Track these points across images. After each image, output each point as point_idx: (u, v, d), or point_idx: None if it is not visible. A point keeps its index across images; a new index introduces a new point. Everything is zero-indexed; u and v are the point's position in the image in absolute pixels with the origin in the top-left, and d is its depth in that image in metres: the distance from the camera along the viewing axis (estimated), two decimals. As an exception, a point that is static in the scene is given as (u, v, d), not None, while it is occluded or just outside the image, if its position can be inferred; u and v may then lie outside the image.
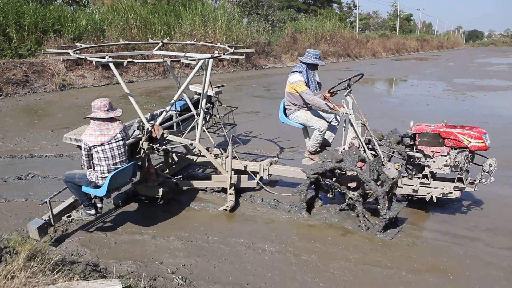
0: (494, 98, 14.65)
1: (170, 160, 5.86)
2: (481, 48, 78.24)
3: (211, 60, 5.20)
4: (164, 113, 5.23)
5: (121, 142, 4.22)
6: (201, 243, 4.21)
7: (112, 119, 4.17)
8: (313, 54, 5.22)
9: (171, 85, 15.49)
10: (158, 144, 4.96)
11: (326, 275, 3.71)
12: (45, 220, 4.17)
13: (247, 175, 5.49)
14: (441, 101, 13.73)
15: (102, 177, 4.16)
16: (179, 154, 5.89)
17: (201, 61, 5.12)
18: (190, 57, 5.26)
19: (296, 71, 5.24)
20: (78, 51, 5.27)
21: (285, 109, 5.47)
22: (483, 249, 4.17)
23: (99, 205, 4.46)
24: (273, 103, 12.55)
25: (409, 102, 13.47)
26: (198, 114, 5.67)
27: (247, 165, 5.57)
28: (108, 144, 4.09)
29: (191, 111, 5.89)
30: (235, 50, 5.64)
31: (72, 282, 3.03)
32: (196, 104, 5.96)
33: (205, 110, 6.05)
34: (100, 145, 4.04)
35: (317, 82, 5.44)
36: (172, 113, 5.95)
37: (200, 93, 6.27)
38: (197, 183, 5.44)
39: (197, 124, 5.43)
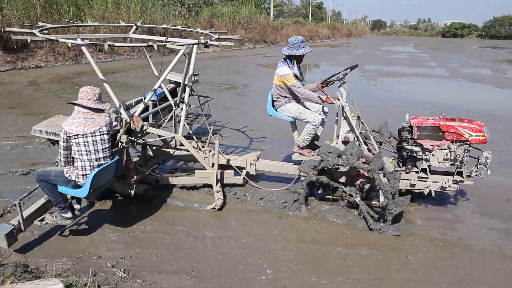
0: (400, 83, 15.85)
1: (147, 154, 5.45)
2: (385, 37, 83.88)
3: (195, 46, 4.83)
4: (142, 103, 4.73)
5: (105, 136, 3.81)
6: (139, 234, 4.11)
7: (99, 110, 3.76)
8: (292, 43, 4.92)
9: (84, 70, 14.64)
10: (136, 137, 4.59)
11: (268, 256, 3.83)
12: (14, 225, 3.64)
13: (233, 171, 5.23)
14: (355, 86, 14.56)
15: (83, 175, 3.70)
16: (154, 148, 5.45)
17: (184, 47, 4.63)
18: (175, 42, 4.72)
19: (284, 63, 4.99)
20: (45, 31, 4.64)
21: (273, 101, 5.22)
22: (408, 222, 4.57)
23: (76, 206, 4.05)
24: (197, 89, 12.44)
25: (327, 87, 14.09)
26: (176, 104, 5.39)
27: (229, 159, 5.24)
28: (92, 136, 3.66)
29: (167, 100, 5.46)
30: (220, 37, 5.28)
31: (5, 286, 2.82)
32: (172, 93, 5.60)
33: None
34: (83, 135, 3.61)
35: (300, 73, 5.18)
36: (148, 103, 5.34)
37: (176, 82, 5.95)
38: (179, 180, 5.12)
39: (174, 116, 5.23)
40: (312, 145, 5.19)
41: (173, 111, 5.37)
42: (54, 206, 3.95)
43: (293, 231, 4.33)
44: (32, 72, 13.89)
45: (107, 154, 3.86)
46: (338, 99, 4.67)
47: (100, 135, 3.73)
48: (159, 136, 5.02)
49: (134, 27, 5.84)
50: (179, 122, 5.39)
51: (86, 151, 3.66)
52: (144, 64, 17.20)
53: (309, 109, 5.13)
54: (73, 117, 3.64)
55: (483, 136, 4.40)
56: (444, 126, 4.47)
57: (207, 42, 4.73)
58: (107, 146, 3.84)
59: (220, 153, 5.11)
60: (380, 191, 4.42)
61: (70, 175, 3.68)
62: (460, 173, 4.59)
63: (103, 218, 4.40)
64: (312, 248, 4.03)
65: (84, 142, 3.63)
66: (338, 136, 4.88)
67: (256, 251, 3.91)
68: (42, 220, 3.87)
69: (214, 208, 4.64)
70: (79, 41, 4.03)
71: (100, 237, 4.03)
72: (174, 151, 5.35)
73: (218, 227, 4.32)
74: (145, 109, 5.06)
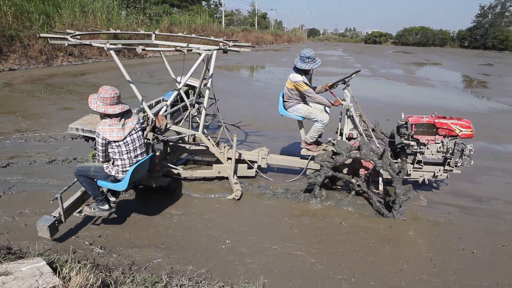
0: (330, 80, 16.24)
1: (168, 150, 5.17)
2: (319, 42, 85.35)
3: (215, 52, 4.56)
4: (164, 103, 4.50)
5: (140, 133, 3.56)
6: (113, 214, 3.98)
7: (129, 111, 3.49)
8: (301, 57, 4.65)
9: (55, 72, 13.81)
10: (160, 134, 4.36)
11: (227, 229, 3.86)
12: (55, 217, 3.41)
13: (246, 164, 5.02)
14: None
15: (123, 171, 3.49)
16: (172, 144, 5.09)
17: (204, 53, 4.44)
18: (194, 47, 4.43)
19: (297, 71, 4.71)
20: (78, 37, 4.37)
21: (284, 102, 5.00)
22: (343, 196, 4.75)
23: (112, 199, 3.78)
24: (159, 88, 12.12)
25: (271, 85, 14.20)
26: (192, 105, 5.23)
27: (241, 154, 5.01)
28: (129, 136, 3.42)
29: (180, 102, 5.21)
30: (235, 44, 5.02)
31: (-10, 266, 2.65)
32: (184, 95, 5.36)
33: (199, 102, 5.53)
34: (123, 139, 3.37)
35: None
36: (163, 104, 5.01)
37: (188, 84, 5.64)
38: (198, 173, 4.86)
39: (189, 115, 5.02)
40: (316, 141, 5.06)
41: (188, 111, 5.15)
42: (91, 198, 3.73)
43: (248, 206, 4.37)
44: (6, 75, 12.91)
45: (144, 150, 3.64)
46: (344, 100, 4.63)
47: (136, 132, 3.49)
48: (179, 133, 4.81)
49: (153, 35, 5.64)
50: (192, 121, 5.28)
51: (126, 151, 3.43)
52: (111, 66, 16.50)
53: (319, 110, 4.97)
54: (110, 124, 3.32)
55: (471, 131, 4.42)
56: (439, 123, 4.45)
57: (226, 47, 4.55)
58: (142, 141, 3.62)
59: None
60: (380, 180, 4.67)
61: (110, 171, 3.45)
62: (449, 164, 4.60)
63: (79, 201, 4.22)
64: (264, 220, 4.10)
65: (124, 143, 3.39)
66: (341, 133, 4.83)
67: (216, 225, 3.92)
68: (81, 212, 3.65)
69: (234, 198, 4.46)
70: (111, 45, 3.90)
71: (77, 219, 3.85)
72: (190, 147, 5.11)
73: (183, 205, 4.28)
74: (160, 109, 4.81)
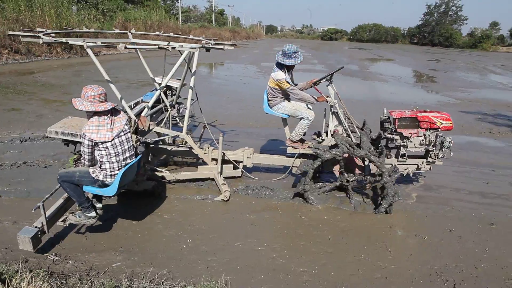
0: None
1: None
2: (277, 39, 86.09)
3: (197, 50, 4.39)
4: (144, 104, 4.31)
5: (128, 135, 3.37)
6: (67, 221, 3.82)
7: (117, 111, 3.31)
8: (284, 52, 4.54)
9: (0, 71, 12.95)
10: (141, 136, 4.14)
11: (188, 227, 3.81)
12: (37, 227, 3.16)
13: (232, 165, 4.96)
14: (254, 81, 14.85)
15: (111, 175, 3.28)
16: (153, 146, 4.90)
17: (187, 51, 4.29)
18: (177, 45, 4.21)
19: (279, 69, 4.61)
20: (52, 35, 4.07)
21: (268, 100, 4.87)
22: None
23: (98, 205, 3.53)
24: (116, 86, 11.73)
25: (230, 81, 14.17)
26: (172, 106, 5.03)
27: (225, 154, 4.90)
28: (118, 137, 3.22)
29: (160, 103, 5.01)
30: (217, 42, 4.83)
31: None
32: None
33: (179, 102, 5.30)
34: (111, 140, 3.17)
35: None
36: (144, 105, 4.83)
37: (167, 86, 5.38)
38: (183, 175, 4.70)
39: (169, 116, 4.77)
40: (301, 139, 4.96)
41: (168, 112, 4.92)
42: (76, 206, 3.50)
43: (209, 204, 4.35)
44: None
45: (132, 152, 3.45)
46: (328, 97, 4.59)
47: (124, 134, 3.31)
48: (163, 135, 4.62)
49: (130, 34, 5.41)
50: (173, 122, 5.05)
51: (115, 153, 3.23)
52: (62, 64, 15.74)
53: (304, 107, 4.86)
54: (97, 124, 3.13)
55: (450, 123, 4.52)
56: (421, 117, 4.51)
57: (209, 45, 4.40)
58: (131, 144, 3.43)
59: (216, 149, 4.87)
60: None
61: (97, 175, 3.25)
62: (432, 156, 4.68)
63: (30, 208, 4.00)
64: (225, 217, 4.10)
65: (112, 145, 3.20)
66: (327, 129, 4.78)
67: (177, 224, 3.87)
68: (65, 220, 3.42)
69: (223, 199, 4.39)
70: (94, 43, 3.77)
71: (24, 226, 3.66)
72: (172, 148, 4.96)
73: (143, 206, 4.18)
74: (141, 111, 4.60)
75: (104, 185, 3.30)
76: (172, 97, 5.49)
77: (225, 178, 4.87)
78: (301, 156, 4.86)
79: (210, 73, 17.22)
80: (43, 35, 3.98)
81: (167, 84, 5.28)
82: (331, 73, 4.65)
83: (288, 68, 4.66)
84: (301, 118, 4.77)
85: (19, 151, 5.66)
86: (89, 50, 3.74)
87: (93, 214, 3.44)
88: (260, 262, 3.32)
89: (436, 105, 11.17)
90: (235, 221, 4.03)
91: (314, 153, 4.35)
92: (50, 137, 3.85)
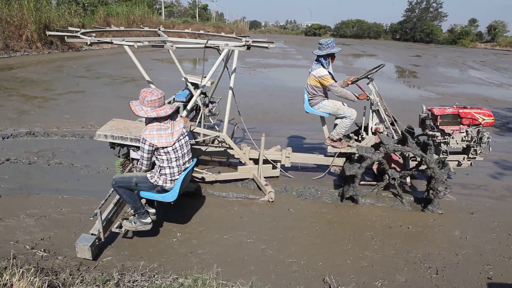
0: (275, 73, 16.54)
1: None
2: (261, 34, 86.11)
3: (237, 48, 4.23)
4: (190, 104, 4.27)
5: (187, 138, 3.29)
6: (55, 216, 3.79)
7: (175, 114, 3.21)
8: (325, 44, 4.58)
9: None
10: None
11: (178, 221, 3.82)
12: (94, 235, 3.11)
13: (270, 164, 4.89)
14: (239, 76, 14.80)
15: (171, 180, 3.20)
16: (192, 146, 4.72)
17: (226, 49, 4.26)
18: (222, 44, 4.25)
19: (319, 65, 4.64)
20: (93, 34, 3.96)
21: (308, 100, 4.82)
22: (294, 184, 4.90)
23: (151, 210, 3.43)
24: (98, 82, 11.56)
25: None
26: (205, 105, 4.93)
27: (262, 154, 4.71)
28: (178, 141, 3.14)
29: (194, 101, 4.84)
30: (255, 40, 4.59)
31: None
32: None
33: (212, 101, 5.19)
34: (173, 144, 3.09)
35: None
36: (179, 104, 4.79)
37: (193, 83, 5.22)
38: (222, 176, 4.64)
39: (202, 116, 4.74)
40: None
41: (201, 111, 4.83)
42: (129, 211, 3.46)
43: (198, 198, 4.37)
44: None
45: (190, 156, 3.40)
46: (369, 95, 4.59)
47: (183, 137, 3.24)
48: (205, 135, 4.58)
49: (160, 31, 5.31)
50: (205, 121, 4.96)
51: (175, 157, 3.15)
52: (42, 60, 15.39)
53: (346, 105, 4.82)
54: (157, 129, 3.03)
55: (492, 119, 4.56)
56: (463, 113, 4.51)
57: (249, 43, 4.25)
58: (189, 147, 3.37)
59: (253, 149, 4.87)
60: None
61: (156, 181, 3.19)
62: (475, 151, 4.68)
63: (15, 205, 3.96)
64: (214, 211, 4.13)
65: (173, 149, 3.11)
66: (365, 128, 4.79)
67: (167, 218, 3.88)
68: (120, 227, 3.32)
69: (268, 200, 4.34)
70: (124, 42, 3.84)
71: (15, 223, 3.63)
72: (207, 148, 4.90)
73: (131, 202, 4.18)
74: (177, 110, 4.57)
75: (163, 190, 3.23)
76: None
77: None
78: (340, 155, 4.86)
79: (195, 69, 17.12)
80: (82, 33, 4.01)
81: (193, 82, 5.29)
82: (370, 71, 4.66)
83: (328, 63, 4.66)
84: (342, 117, 4.70)
85: (1, 148, 5.56)
86: (128, 50, 3.90)
87: (148, 220, 3.35)
88: (250, 254, 3.38)
89: (418, 100, 11.42)
90: (224, 214, 4.08)
91: (364, 156, 4.23)
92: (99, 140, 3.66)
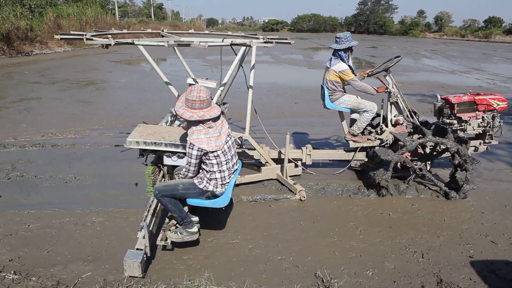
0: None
1: None
2: (219, 31, 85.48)
3: (255, 46, 4.13)
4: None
5: (232, 139, 3.12)
6: (23, 234, 3.50)
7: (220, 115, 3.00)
8: (344, 38, 4.53)
9: None
10: None
11: (158, 228, 3.66)
12: (141, 249, 2.87)
13: (292, 163, 4.79)
14: (201, 74, 14.47)
15: (222, 184, 3.02)
16: None
17: (242, 49, 4.15)
18: (246, 41, 4.07)
19: (338, 59, 4.57)
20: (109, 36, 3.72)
21: (329, 95, 4.76)
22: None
23: (194, 219, 3.23)
24: (54, 88, 10.94)
25: (178, 77, 13.72)
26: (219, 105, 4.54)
27: (287, 152, 4.58)
28: (226, 143, 2.96)
29: None
30: (273, 38, 4.42)
31: None
32: None
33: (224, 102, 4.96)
34: (221, 148, 2.91)
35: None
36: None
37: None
38: (247, 178, 4.53)
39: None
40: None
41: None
42: (170, 222, 3.25)
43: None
44: None
45: (237, 157, 3.23)
46: (387, 88, 4.60)
47: (230, 138, 3.07)
48: None
49: (165, 32, 5.18)
50: None
51: (225, 160, 2.97)
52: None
53: (366, 99, 4.79)
54: (205, 132, 2.84)
55: (505, 104, 4.70)
56: (479, 100, 4.63)
57: (272, 40, 4.13)
58: (235, 149, 3.19)
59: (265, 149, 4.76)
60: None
61: (206, 186, 3.02)
62: (490, 136, 4.80)
63: (-23, 226, 3.62)
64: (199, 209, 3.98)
65: (222, 152, 2.93)
66: (383, 120, 4.79)
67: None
68: (166, 239, 3.12)
69: (300, 199, 4.29)
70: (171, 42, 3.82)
71: (-23, 245, 3.31)
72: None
73: (103, 211, 3.94)
74: None
75: (213, 196, 3.07)
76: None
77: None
78: (361, 150, 4.87)
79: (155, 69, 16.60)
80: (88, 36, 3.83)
81: (192, 83, 5.07)
82: (386, 63, 4.66)
83: (348, 56, 4.61)
84: (364, 111, 4.69)
85: (-47, 164, 5.08)
86: (144, 51, 3.87)
87: (195, 229, 3.17)
88: (237, 255, 3.28)
89: (380, 89, 11.71)
90: (204, 216, 3.92)
91: (402, 142, 4.26)
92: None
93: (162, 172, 3.60)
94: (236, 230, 3.67)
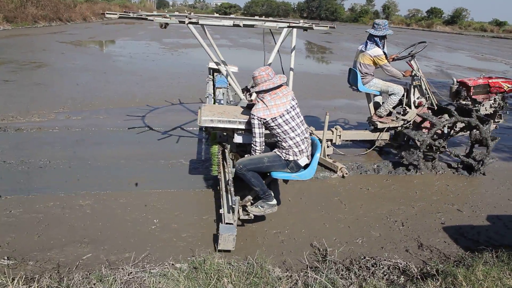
0: (198, 53, 16.13)
1: None
2: (169, 13, 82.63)
3: (294, 30, 4.18)
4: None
5: (298, 109, 3.18)
6: (7, 220, 3.34)
7: (279, 86, 3.11)
8: (382, 25, 4.72)
9: None
10: None
11: (150, 209, 3.64)
12: (232, 224, 2.96)
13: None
14: (162, 57, 14.24)
15: (299, 151, 3.11)
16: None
17: (286, 30, 4.15)
18: (293, 24, 4.13)
19: (374, 44, 4.77)
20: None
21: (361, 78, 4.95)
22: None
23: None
24: (2, 69, 10.15)
25: (137, 59, 13.34)
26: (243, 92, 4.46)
27: (325, 133, 4.65)
28: (287, 113, 3.05)
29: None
30: (314, 23, 4.35)
31: None
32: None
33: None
34: (280, 116, 3.02)
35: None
36: (224, 91, 4.84)
37: (217, 70, 5.07)
38: None
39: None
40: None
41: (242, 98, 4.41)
42: (260, 194, 3.25)
43: (164, 182, 4.19)
44: None
45: (305, 125, 3.24)
46: (412, 72, 4.83)
47: (293, 109, 3.12)
48: None
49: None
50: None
51: (290, 128, 3.05)
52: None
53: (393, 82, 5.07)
54: (262, 103, 3.05)
55: None
56: (492, 83, 5.02)
57: (311, 25, 4.11)
58: (302, 119, 3.21)
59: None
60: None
61: (286, 156, 3.12)
62: (500, 116, 5.20)
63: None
64: (183, 193, 4.01)
65: (284, 121, 3.03)
66: (407, 102, 5.02)
67: (136, 207, 3.67)
68: (247, 213, 3.20)
69: (343, 176, 4.57)
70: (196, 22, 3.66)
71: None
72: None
73: (91, 194, 3.85)
74: None
75: (297, 166, 3.17)
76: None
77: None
78: (387, 130, 5.16)
79: (112, 51, 15.89)
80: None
81: (214, 68, 5.27)
82: (410, 48, 4.94)
83: (382, 43, 4.81)
84: (392, 94, 4.92)
85: None
86: (194, 31, 3.81)
87: (274, 201, 3.27)
88: (234, 231, 3.38)
89: (340, 74, 12.15)
90: (194, 196, 3.99)
91: (433, 123, 4.64)
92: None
93: (225, 150, 3.71)
94: (227, 208, 3.76)
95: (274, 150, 3.22)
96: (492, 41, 38.35)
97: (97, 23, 33.63)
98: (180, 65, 12.51)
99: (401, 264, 2.94)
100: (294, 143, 3.10)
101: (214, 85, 5.18)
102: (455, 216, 3.88)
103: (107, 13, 3.71)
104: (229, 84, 4.91)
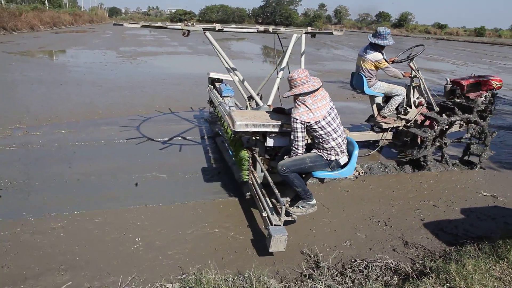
0: (157, 61, 15.79)
1: None
2: (124, 22, 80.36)
3: (303, 36, 4.45)
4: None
5: (335, 110, 3.20)
6: (-31, 251, 3.01)
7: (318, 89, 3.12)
8: (385, 35, 4.90)
9: None
10: None
11: (130, 226, 3.44)
12: (281, 225, 2.94)
13: None
14: (121, 66, 13.75)
15: (341, 151, 3.18)
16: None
17: (295, 36, 4.34)
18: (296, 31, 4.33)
19: (372, 50, 4.99)
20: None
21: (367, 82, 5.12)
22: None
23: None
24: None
25: (95, 69, 12.78)
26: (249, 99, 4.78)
27: None
28: (329, 115, 3.08)
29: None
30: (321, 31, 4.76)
31: None
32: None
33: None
34: (323, 119, 3.04)
35: None
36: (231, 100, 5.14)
37: (217, 79, 5.74)
38: None
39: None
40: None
41: (247, 104, 4.75)
42: (301, 195, 3.27)
43: (145, 197, 3.98)
44: None
45: (342, 126, 3.27)
46: (411, 73, 5.04)
47: (332, 111, 3.15)
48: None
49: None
50: None
51: (332, 130, 3.09)
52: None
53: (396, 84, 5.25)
54: (304, 107, 3.05)
55: (502, 83, 5.47)
56: (483, 81, 5.39)
57: (319, 31, 4.31)
58: (340, 119, 3.24)
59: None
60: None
61: (328, 156, 3.17)
62: (490, 111, 5.37)
63: None
64: (163, 208, 3.84)
65: (327, 123, 3.06)
66: (406, 102, 5.24)
67: (114, 226, 3.44)
68: (289, 215, 3.11)
69: (356, 177, 4.69)
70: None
71: None
72: None
73: (62, 216, 3.57)
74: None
75: (337, 165, 3.23)
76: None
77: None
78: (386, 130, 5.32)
79: (67, 61, 15.10)
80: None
81: (214, 77, 5.75)
82: (407, 51, 5.16)
83: (382, 48, 5.01)
84: (395, 95, 5.11)
85: None
86: (211, 38, 4.05)
87: (314, 201, 3.32)
88: (221, 243, 3.26)
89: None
90: (175, 210, 3.82)
91: (438, 121, 4.88)
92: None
93: (254, 155, 3.67)
94: (212, 220, 3.62)
95: (313, 151, 3.26)
96: (436, 43, 40.84)
97: (47, 32, 32.04)
98: (141, 73, 12.13)
99: (392, 264, 2.97)
100: (337, 144, 3.16)
101: (220, 94, 5.32)
102: (432, 212, 4.00)
103: (128, 24, 3.74)
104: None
